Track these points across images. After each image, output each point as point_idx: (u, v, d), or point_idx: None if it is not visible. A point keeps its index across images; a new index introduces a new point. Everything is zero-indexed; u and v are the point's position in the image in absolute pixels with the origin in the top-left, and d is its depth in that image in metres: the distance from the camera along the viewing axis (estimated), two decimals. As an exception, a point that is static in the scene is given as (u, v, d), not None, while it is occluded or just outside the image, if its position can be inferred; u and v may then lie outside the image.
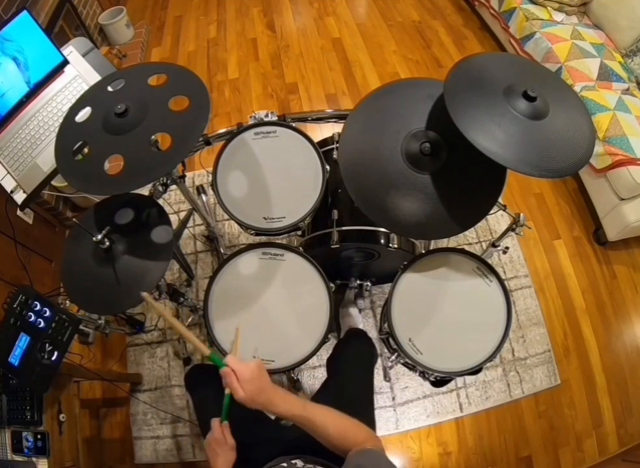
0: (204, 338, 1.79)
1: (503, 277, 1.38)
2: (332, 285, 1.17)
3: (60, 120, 1.04)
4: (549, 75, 1.03)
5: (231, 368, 0.73)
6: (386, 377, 1.71)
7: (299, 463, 0.79)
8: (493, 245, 1.30)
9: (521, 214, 1.15)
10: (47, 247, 1.79)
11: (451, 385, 1.69)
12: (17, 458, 1.15)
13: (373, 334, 1.75)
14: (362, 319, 1.75)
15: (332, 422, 0.74)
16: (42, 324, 1.09)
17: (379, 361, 1.72)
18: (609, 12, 2.26)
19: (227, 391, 0.81)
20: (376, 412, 1.62)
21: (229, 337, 1.11)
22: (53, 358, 1.08)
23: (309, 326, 1.13)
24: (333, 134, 1.38)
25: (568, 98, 0.94)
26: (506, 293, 1.12)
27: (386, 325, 1.19)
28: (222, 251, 1.91)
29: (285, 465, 0.78)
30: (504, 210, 1.12)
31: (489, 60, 0.97)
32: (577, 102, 0.94)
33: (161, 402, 1.70)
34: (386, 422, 1.64)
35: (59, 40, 1.47)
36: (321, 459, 0.81)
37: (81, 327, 1.16)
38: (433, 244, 1.54)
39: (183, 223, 1.93)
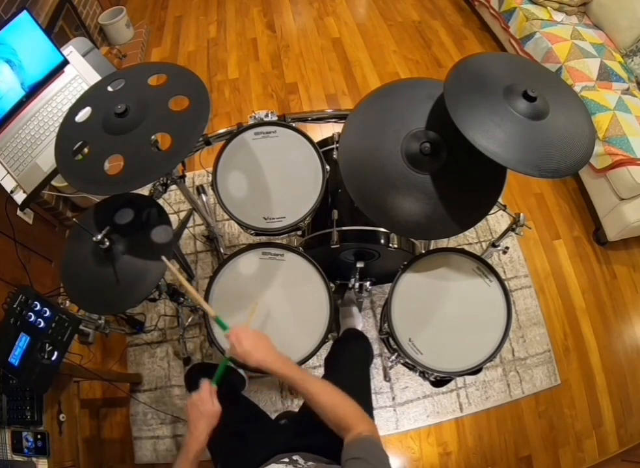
0: (204, 339, 1.79)
1: (503, 277, 1.38)
2: (332, 285, 1.17)
3: (60, 120, 1.04)
4: (549, 75, 1.03)
5: (234, 330, 0.84)
6: (386, 377, 1.71)
7: (300, 460, 0.79)
8: (494, 245, 1.30)
9: (521, 214, 1.15)
10: (47, 247, 1.79)
11: (451, 385, 1.69)
12: (17, 458, 1.15)
13: (372, 334, 1.75)
14: (362, 319, 1.75)
15: (324, 393, 0.77)
16: (42, 324, 1.09)
17: (379, 361, 1.72)
18: (609, 12, 2.26)
19: (226, 355, 0.87)
20: (376, 412, 1.63)
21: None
22: (53, 358, 1.08)
23: (309, 326, 1.13)
24: (333, 134, 1.38)
25: (568, 98, 0.94)
26: (506, 293, 1.12)
27: (386, 325, 1.19)
28: (222, 251, 1.91)
29: (286, 460, 0.78)
30: (504, 210, 1.12)
31: (489, 60, 0.97)
32: (577, 102, 0.94)
33: (161, 402, 1.70)
34: (386, 422, 1.64)
35: (59, 40, 1.47)
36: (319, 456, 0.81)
37: (81, 327, 1.16)
38: (433, 244, 1.54)
39: (183, 223, 1.93)
